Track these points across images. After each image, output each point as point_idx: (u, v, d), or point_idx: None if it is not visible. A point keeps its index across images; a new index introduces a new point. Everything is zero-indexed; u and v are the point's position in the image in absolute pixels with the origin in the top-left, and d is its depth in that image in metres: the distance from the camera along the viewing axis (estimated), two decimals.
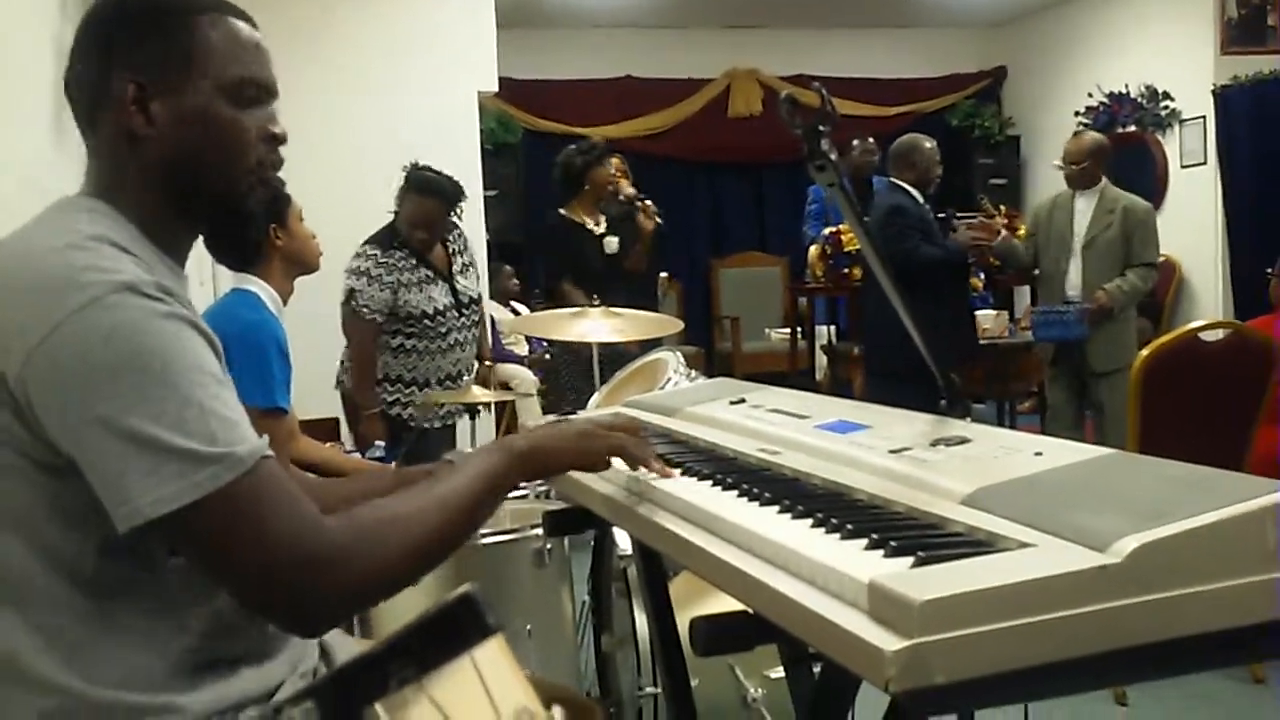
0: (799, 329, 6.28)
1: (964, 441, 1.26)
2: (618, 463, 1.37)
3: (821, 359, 5.95)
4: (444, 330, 3.79)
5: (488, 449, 1.30)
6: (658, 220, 4.67)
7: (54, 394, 1.00)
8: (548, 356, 5.75)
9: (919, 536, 1.00)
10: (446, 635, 1.03)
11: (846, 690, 1.26)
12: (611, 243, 4.70)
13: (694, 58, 8.62)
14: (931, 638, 0.81)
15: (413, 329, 3.74)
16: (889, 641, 0.81)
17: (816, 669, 1.54)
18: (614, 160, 4.79)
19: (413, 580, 1.15)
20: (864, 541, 1.00)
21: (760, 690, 2.20)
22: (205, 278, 3.90)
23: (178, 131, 1.16)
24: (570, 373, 4.64)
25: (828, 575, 0.93)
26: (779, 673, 2.17)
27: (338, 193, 4.59)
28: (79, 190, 1.20)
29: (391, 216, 3.80)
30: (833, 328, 5.85)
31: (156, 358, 1.00)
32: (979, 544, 0.98)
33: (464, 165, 5.28)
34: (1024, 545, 0.95)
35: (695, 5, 8.11)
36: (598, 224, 4.71)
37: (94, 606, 1.06)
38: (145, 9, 1.18)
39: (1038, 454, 1.17)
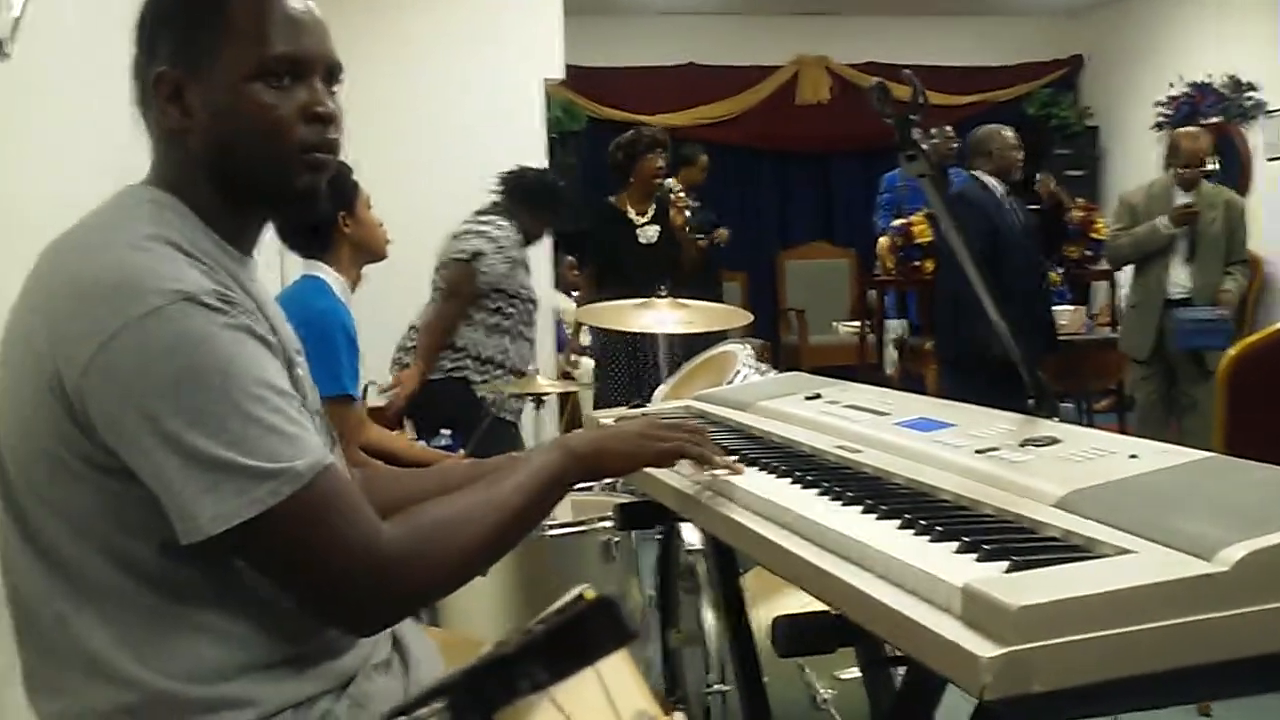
0: (868, 322, 6.19)
1: (1054, 442, 1.22)
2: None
3: (892, 353, 5.86)
4: (531, 320, 3.85)
5: (546, 448, 1.30)
6: (686, 214, 4.65)
7: (112, 405, 1.00)
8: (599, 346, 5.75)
9: (1012, 540, 0.97)
10: (583, 640, 1.01)
11: (930, 695, 1.23)
12: (649, 232, 4.66)
13: (761, 45, 8.54)
14: (1028, 645, 0.79)
15: (513, 310, 3.75)
16: (984, 648, 0.79)
17: (895, 672, 1.50)
18: (701, 158, 4.76)
19: (470, 578, 1.18)
20: (954, 544, 0.96)
21: (830, 691, 2.17)
22: (274, 265, 3.94)
23: (214, 121, 1.13)
24: (619, 365, 4.60)
25: (918, 578, 0.90)
26: (850, 673, 2.13)
27: (404, 181, 4.61)
28: (145, 178, 1.18)
29: (497, 198, 3.88)
30: (903, 321, 5.75)
31: (217, 373, 1.00)
32: (1075, 549, 0.95)
33: (528, 154, 5.27)
34: (1122, 551, 0.92)
35: None
36: (642, 214, 4.68)
37: (163, 603, 1.06)
38: None
39: (1133, 456, 1.13)
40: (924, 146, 1.08)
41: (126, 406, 0.99)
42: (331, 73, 1.18)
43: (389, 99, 5.16)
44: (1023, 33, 8.93)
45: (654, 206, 4.70)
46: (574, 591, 1.03)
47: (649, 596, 2.79)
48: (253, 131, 1.13)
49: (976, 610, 0.82)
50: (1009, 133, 4.50)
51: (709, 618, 2.49)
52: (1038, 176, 4.44)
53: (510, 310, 3.76)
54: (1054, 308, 4.89)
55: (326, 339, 2.40)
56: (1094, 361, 5.37)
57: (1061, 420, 1.35)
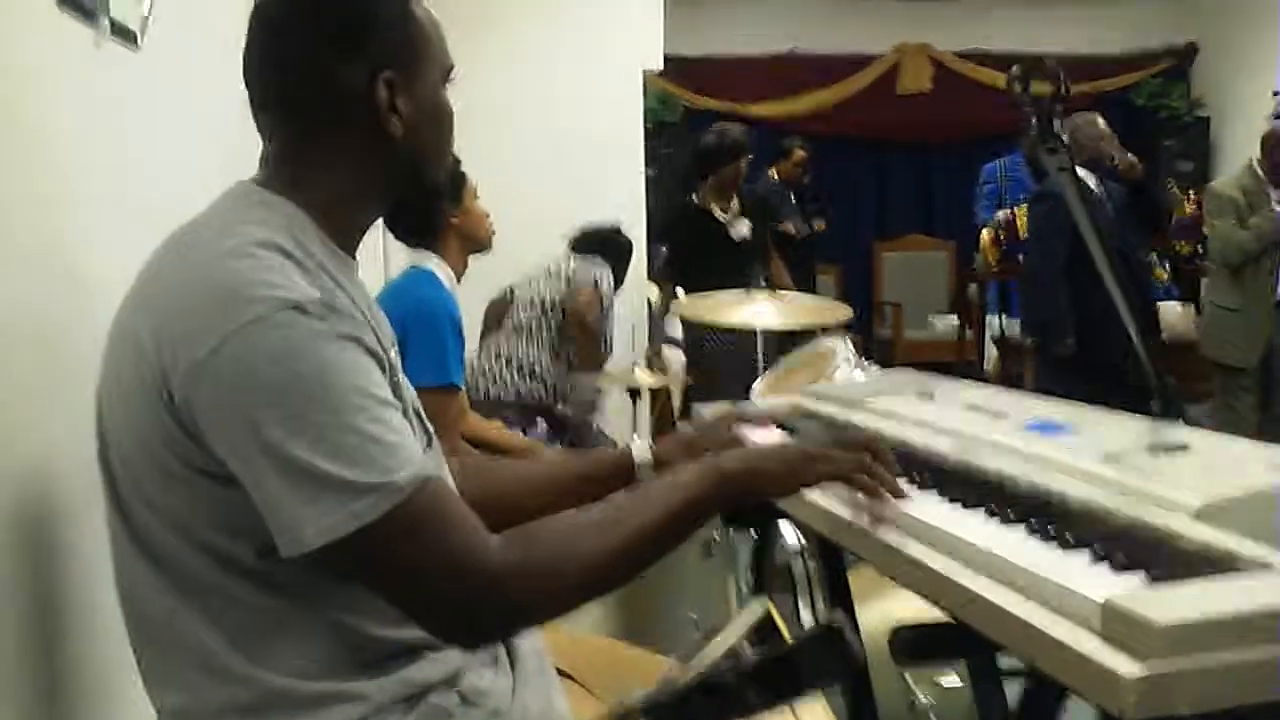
0: (967, 317, 6.07)
1: (1184, 449, 1.17)
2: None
3: (991, 350, 5.73)
4: None
5: (690, 467, 1.21)
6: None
7: (218, 411, 1.00)
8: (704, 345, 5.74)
9: (1149, 552, 0.93)
10: (810, 666, 0.96)
11: (1051, 710, 1.20)
12: (740, 229, 4.63)
13: (861, 32, 8.40)
14: (1174, 664, 0.76)
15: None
16: (1127, 667, 0.76)
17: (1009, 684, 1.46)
18: (797, 152, 4.73)
19: (594, 596, 1.12)
20: (1087, 554, 0.93)
21: (929, 699, 2.13)
22: (378, 256, 4.00)
23: (420, 126, 1.17)
24: (722, 360, 4.58)
25: (1051, 590, 0.87)
26: (950, 680, 2.09)
27: (507, 173, 4.64)
28: (254, 177, 1.18)
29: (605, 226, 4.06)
30: (1005, 317, 5.62)
31: (319, 383, 0.99)
32: (1217, 563, 0.91)
33: (627, 145, 5.29)
34: (1268, 566, 0.88)
35: None
36: (725, 210, 4.64)
37: (268, 602, 1.06)
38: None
39: (1276, 465, 1.08)
40: (1065, 139, 1.05)
41: (231, 414, 1.00)
42: None
43: (492, 92, 5.20)
44: (1132, 20, 8.65)
45: (736, 200, 4.67)
46: (755, 609, 1.00)
47: (741, 593, 2.78)
48: (444, 134, 1.22)
49: (1118, 626, 0.79)
50: (1099, 121, 4.34)
51: (807, 617, 2.47)
52: (1114, 157, 4.21)
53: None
54: (1159, 303, 4.73)
55: (434, 328, 2.42)
56: (1202, 361, 5.19)
57: (1187, 424, 1.31)
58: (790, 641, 0.97)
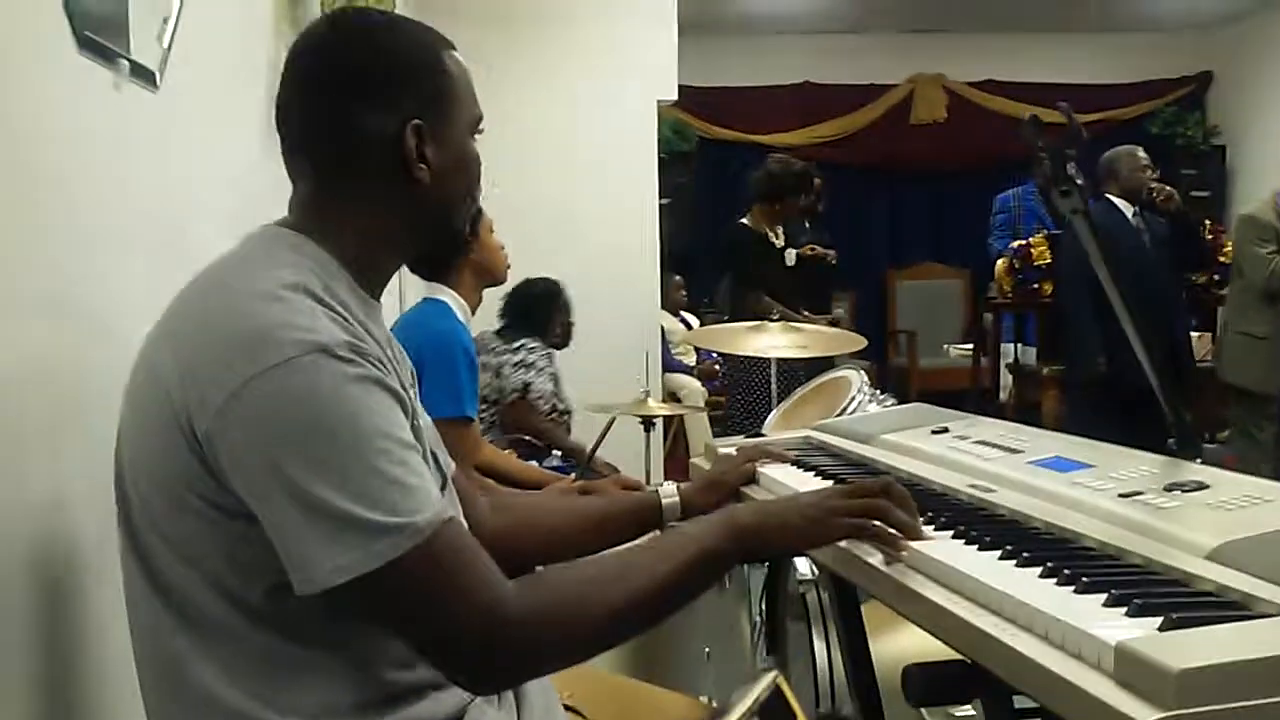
0: (982, 345, 6.05)
1: (1201, 487, 1.16)
2: None
3: (1007, 378, 5.71)
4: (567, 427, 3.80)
5: (707, 521, 1.22)
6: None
7: (240, 450, 1.01)
8: (717, 368, 5.74)
9: (1164, 595, 0.93)
10: None
11: None
12: (791, 255, 4.69)
13: (875, 63, 8.43)
14: (1189, 711, 0.75)
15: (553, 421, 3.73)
16: (1142, 712, 0.76)
17: None
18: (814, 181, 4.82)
19: (604, 648, 1.13)
20: (1102, 597, 0.93)
21: None
22: (392, 288, 4.02)
23: (446, 174, 1.18)
24: (743, 391, 4.61)
25: (1065, 632, 0.87)
26: (964, 711, 2.08)
27: (517, 203, 4.67)
28: (283, 219, 1.19)
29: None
30: (1020, 346, 5.60)
31: (344, 425, 1.00)
32: (1233, 606, 0.91)
33: (640, 175, 5.31)
34: None
35: (877, 10, 7.95)
36: (778, 237, 4.71)
37: (275, 643, 1.06)
38: (402, 49, 1.18)
39: None
40: (1079, 181, 1.05)
41: (254, 454, 1.00)
42: None
43: (506, 122, 5.23)
44: (1147, 49, 8.66)
45: (781, 229, 4.75)
46: (765, 681, 0.97)
47: (755, 625, 2.76)
48: (471, 183, 1.24)
49: (1132, 671, 0.79)
50: (1140, 153, 4.38)
51: (819, 647, 2.45)
52: (1151, 188, 4.25)
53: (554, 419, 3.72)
54: (1188, 334, 4.71)
55: (448, 361, 2.44)
56: (1219, 390, 5.16)
57: (1204, 461, 1.30)
58: None
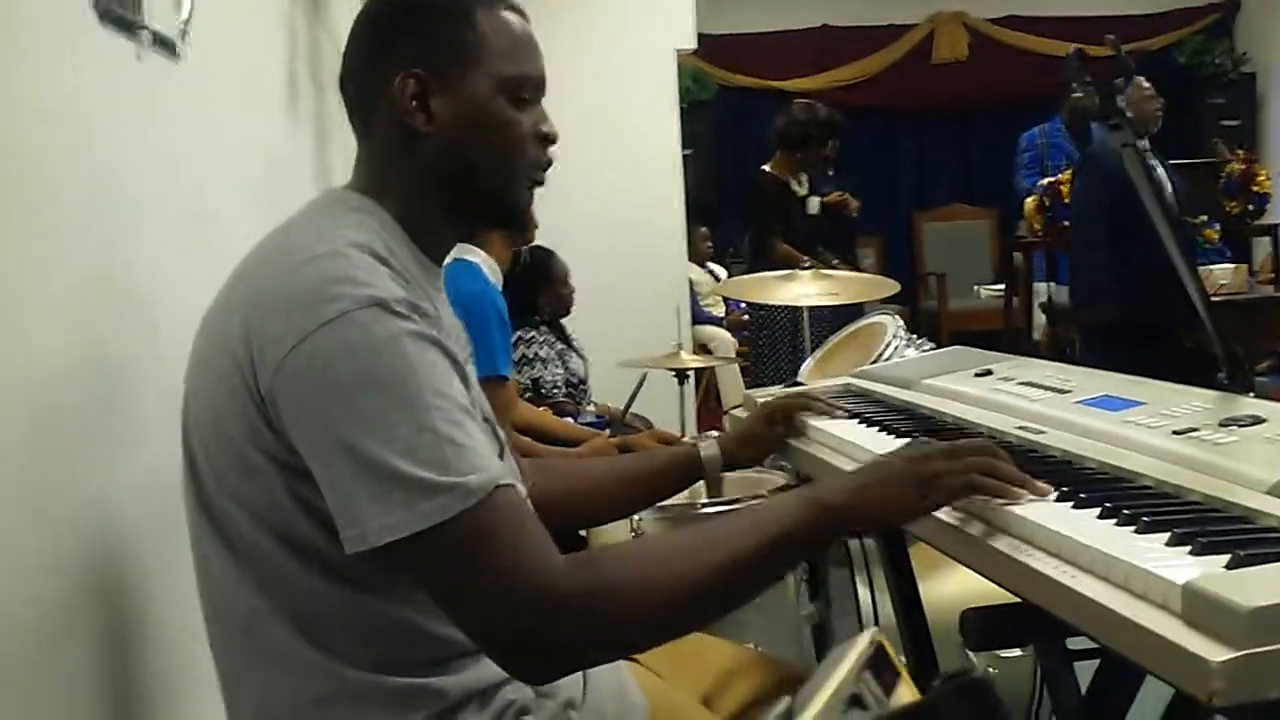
0: (1013, 285, 5.98)
1: (1258, 421, 1.14)
2: None
3: (1039, 318, 5.65)
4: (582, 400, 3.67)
5: (788, 499, 1.11)
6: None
7: (297, 406, 1.00)
8: (745, 318, 5.70)
9: (1228, 532, 0.91)
10: None
11: (1128, 692, 1.18)
12: (813, 203, 4.64)
13: (895, 3, 8.30)
14: (1261, 649, 0.74)
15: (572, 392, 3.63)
16: (1214, 651, 0.75)
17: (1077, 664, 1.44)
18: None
19: (671, 635, 1.07)
20: (1164, 536, 0.91)
21: (992, 669, 2.11)
22: None
23: (457, 129, 1.14)
24: (777, 340, 4.59)
25: (1129, 573, 0.86)
26: (1011, 652, 2.07)
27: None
28: (349, 183, 1.20)
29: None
30: (1052, 284, 5.54)
31: (397, 379, 0.98)
32: None
33: (661, 126, 5.26)
34: None
35: None
36: (800, 184, 4.66)
37: (347, 596, 1.06)
38: (427, 2, 1.17)
39: None
40: (1128, 114, 1.02)
41: (309, 409, 1.00)
42: (544, 93, 1.22)
43: None
44: None
45: (805, 176, 4.68)
46: (867, 639, 0.91)
47: (799, 573, 2.76)
48: (495, 144, 1.16)
49: (1201, 611, 0.77)
50: (1143, 81, 4.26)
51: (863, 594, 2.44)
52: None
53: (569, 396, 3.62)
54: (1209, 268, 4.63)
55: (480, 321, 2.42)
56: (1257, 321, 5.09)
57: (1257, 395, 1.28)
58: (931, 694, 0.88)
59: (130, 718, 1.38)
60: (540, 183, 1.22)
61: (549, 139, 1.20)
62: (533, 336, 3.58)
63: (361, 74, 1.18)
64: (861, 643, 0.92)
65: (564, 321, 3.74)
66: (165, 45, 1.63)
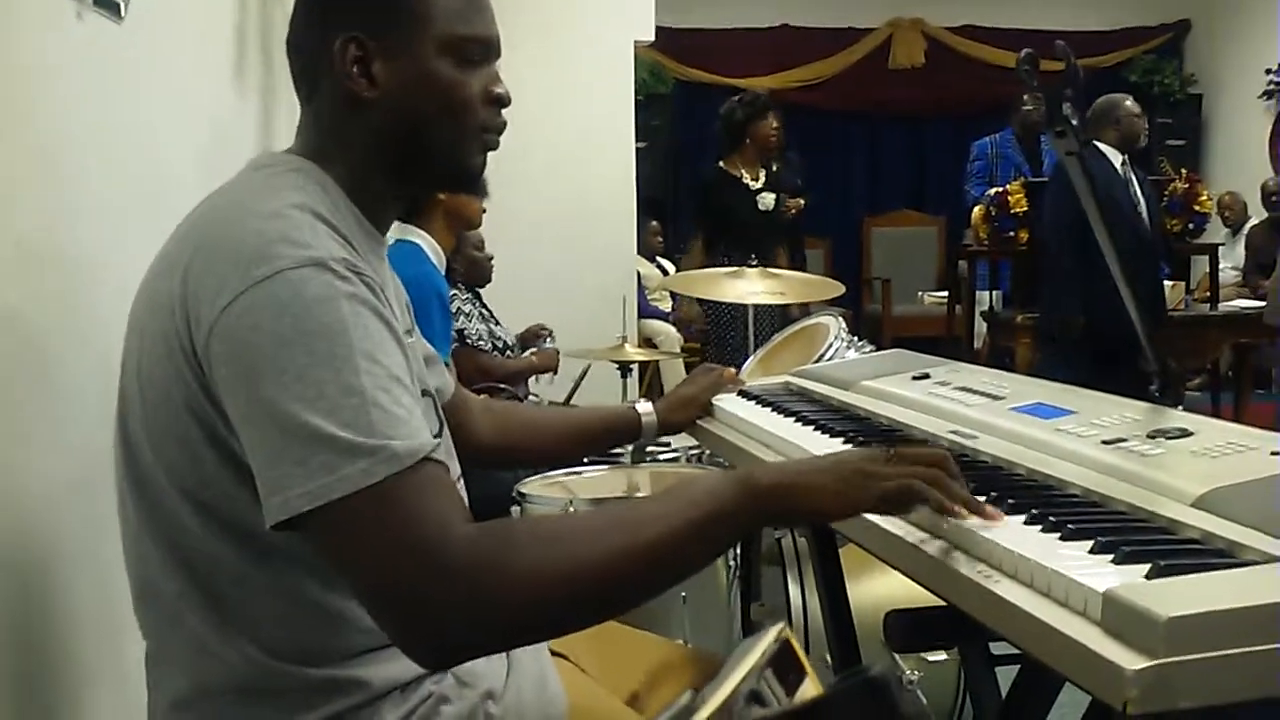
0: (956, 293, 6.06)
1: (1185, 434, 1.16)
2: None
3: (981, 326, 5.72)
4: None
5: (716, 477, 1.05)
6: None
7: (226, 366, 0.97)
8: (698, 310, 5.71)
9: (1150, 542, 0.92)
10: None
11: (1047, 697, 1.19)
12: (767, 199, 4.64)
13: (854, 6, 8.35)
14: (1177, 659, 0.74)
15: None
16: (1129, 659, 0.75)
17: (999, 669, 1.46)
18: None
19: (585, 615, 1.00)
20: (1088, 544, 0.92)
21: (918, 673, 2.13)
22: None
23: (401, 93, 1.12)
24: (719, 332, 4.60)
25: (1051, 579, 0.86)
26: (936, 656, 2.09)
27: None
28: (290, 146, 1.17)
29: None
30: (995, 293, 5.61)
31: (327, 338, 0.94)
32: (1219, 554, 0.90)
33: (617, 116, 5.24)
34: (1270, 558, 0.87)
35: None
36: (755, 178, 4.65)
37: (274, 579, 1.04)
38: None
39: (1274, 453, 1.07)
40: (1074, 122, 1.03)
41: (235, 367, 0.96)
42: (497, 54, 1.19)
43: None
44: None
45: (763, 171, 4.67)
46: (773, 635, 0.90)
47: (730, 568, 2.77)
48: (441, 107, 1.13)
49: (1119, 619, 0.78)
50: (1132, 102, 4.37)
51: (795, 592, 2.45)
52: (1160, 161, 4.24)
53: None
54: (1162, 289, 4.71)
55: (421, 304, 2.39)
56: (1190, 338, 5.20)
57: (1186, 409, 1.30)
58: (828, 692, 0.86)
59: (46, 708, 1.35)
60: (493, 146, 1.19)
61: (500, 101, 1.17)
62: (454, 292, 3.50)
63: (304, 38, 1.16)
64: (767, 639, 0.91)
65: (507, 319, 3.69)
66: (107, 5, 1.59)
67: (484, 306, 3.60)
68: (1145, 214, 4.37)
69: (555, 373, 3.54)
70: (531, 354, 3.49)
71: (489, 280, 3.61)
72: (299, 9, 1.17)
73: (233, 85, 2.21)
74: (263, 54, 2.38)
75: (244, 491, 1.00)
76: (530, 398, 3.62)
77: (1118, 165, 4.30)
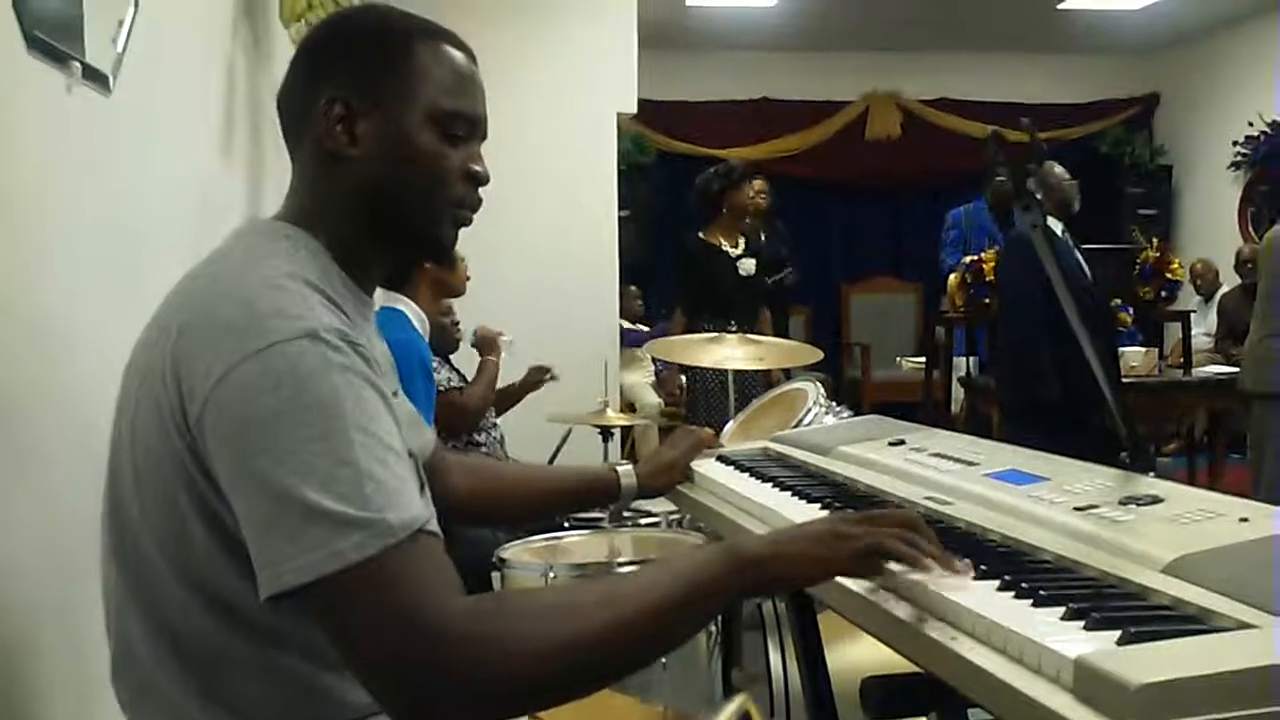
0: (934, 359, 6.11)
1: (1156, 501, 1.18)
2: None
3: (958, 391, 5.77)
4: None
5: (703, 550, 1.07)
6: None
7: (220, 439, 0.97)
8: (683, 378, 5.74)
9: (1122, 608, 0.93)
10: None
11: None
12: (747, 265, 4.69)
13: (832, 80, 8.52)
14: None
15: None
16: None
17: None
18: (756, 183, 4.76)
19: (576, 690, 1.00)
20: (1060, 610, 0.93)
21: None
22: None
23: (381, 155, 1.13)
24: (701, 397, 4.62)
25: (1024, 646, 0.87)
26: None
27: (481, 216, 4.64)
28: (278, 212, 1.18)
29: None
30: (972, 359, 5.66)
31: (320, 411, 0.94)
32: (1190, 620, 0.91)
33: (600, 186, 5.32)
34: (1242, 625, 0.88)
35: (834, 28, 8.02)
36: (735, 245, 4.70)
37: (258, 652, 1.04)
38: (366, 29, 1.17)
39: (1243, 520, 1.08)
40: (1038, 196, 1.06)
41: (229, 440, 0.96)
42: (483, 135, 1.21)
43: None
44: (1097, 70, 8.82)
45: (743, 239, 4.72)
46: (735, 707, 0.91)
47: (711, 634, 2.76)
48: (419, 175, 1.15)
49: (1091, 685, 0.79)
50: (1059, 168, 4.39)
51: (775, 657, 2.45)
52: (1132, 229, 4.25)
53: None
54: (1121, 351, 4.76)
55: (405, 370, 2.40)
56: (1165, 404, 5.25)
57: (1157, 475, 1.31)
58: None
59: None
60: (465, 222, 1.20)
61: (478, 179, 1.19)
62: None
63: (294, 96, 1.17)
64: (730, 708, 0.91)
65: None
66: (97, 78, 1.61)
67: (455, 370, 3.60)
68: (1089, 282, 4.38)
69: (497, 355, 3.43)
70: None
71: (456, 348, 3.61)
72: (294, 64, 1.19)
73: (222, 155, 2.24)
74: (251, 126, 2.42)
75: (232, 566, 1.00)
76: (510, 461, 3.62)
77: (1060, 233, 4.32)
